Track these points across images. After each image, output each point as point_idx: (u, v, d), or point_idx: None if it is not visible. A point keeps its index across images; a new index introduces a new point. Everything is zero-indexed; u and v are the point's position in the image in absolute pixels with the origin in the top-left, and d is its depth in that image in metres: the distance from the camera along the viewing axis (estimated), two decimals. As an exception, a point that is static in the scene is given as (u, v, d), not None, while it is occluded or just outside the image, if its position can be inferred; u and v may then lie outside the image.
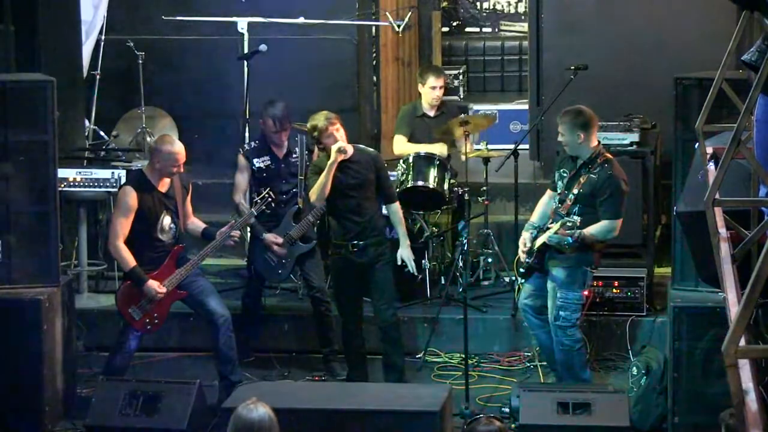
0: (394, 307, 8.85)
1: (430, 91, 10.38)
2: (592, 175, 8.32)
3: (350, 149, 8.63)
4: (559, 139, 8.44)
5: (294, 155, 9.23)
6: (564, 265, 8.34)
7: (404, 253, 8.78)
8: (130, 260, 8.43)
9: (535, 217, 8.68)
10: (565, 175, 8.47)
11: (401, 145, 10.38)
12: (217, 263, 10.54)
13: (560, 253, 8.31)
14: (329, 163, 8.54)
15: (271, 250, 9.15)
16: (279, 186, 9.20)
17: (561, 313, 8.36)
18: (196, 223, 8.80)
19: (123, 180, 9.67)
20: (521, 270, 8.65)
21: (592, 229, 8.22)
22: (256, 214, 8.83)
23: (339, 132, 8.59)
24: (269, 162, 9.23)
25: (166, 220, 8.57)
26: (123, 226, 8.43)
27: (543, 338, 8.72)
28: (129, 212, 8.43)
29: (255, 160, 9.22)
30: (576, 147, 8.34)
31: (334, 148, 8.54)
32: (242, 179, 9.25)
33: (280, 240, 9.14)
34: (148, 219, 8.50)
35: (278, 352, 9.60)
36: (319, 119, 8.61)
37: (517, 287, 9.23)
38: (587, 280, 8.45)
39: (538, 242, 8.41)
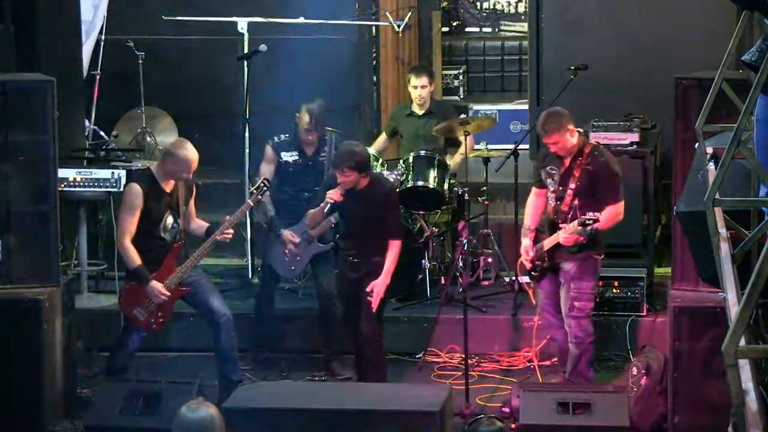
0: (373, 327, 8.59)
1: (413, 91, 10.43)
2: (586, 167, 8.38)
3: (337, 198, 8.48)
4: (553, 149, 8.42)
5: (322, 154, 9.25)
6: (575, 258, 8.40)
7: (376, 283, 8.48)
8: (136, 258, 8.44)
9: (529, 220, 8.71)
10: (553, 171, 8.51)
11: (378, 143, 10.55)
12: (217, 263, 10.55)
13: (569, 247, 8.36)
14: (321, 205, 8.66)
15: (286, 247, 9.14)
16: (303, 183, 9.21)
17: (575, 303, 8.42)
18: (199, 224, 8.80)
19: (123, 180, 9.68)
20: (532, 273, 8.66)
21: (601, 219, 8.26)
22: (252, 204, 8.80)
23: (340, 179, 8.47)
24: (297, 157, 9.26)
25: (169, 220, 8.57)
26: (130, 223, 8.44)
27: (561, 338, 8.72)
28: (135, 210, 8.44)
29: (283, 154, 9.24)
30: (569, 146, 8.38)
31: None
32: (266, 169, 9.24)
33: (297, 239, 9.13)
34: (152, 218, 8.50)
35: (278, 352, 9.60)
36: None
37: (531, 290, 9.30)
38: (597, 268, 8.53)
39: (548, 245, 8.43)
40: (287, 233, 9.14)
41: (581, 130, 8.78)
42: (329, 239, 9.24)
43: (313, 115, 9.13)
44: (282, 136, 9.36)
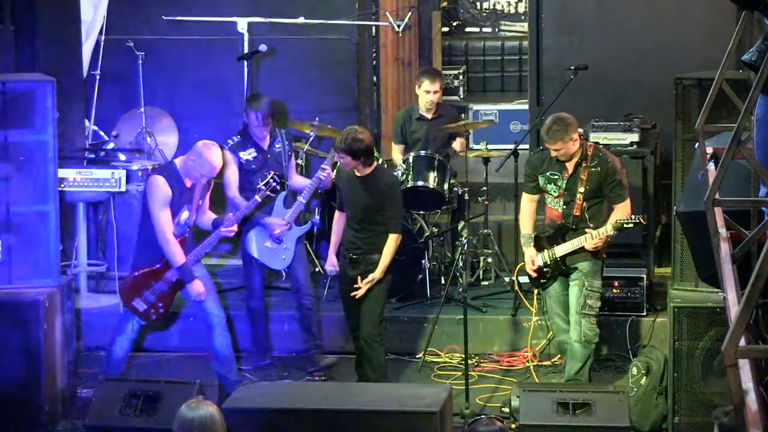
0: (373, 325, 8.61)
1: (424, 95, 10.28)
2: (593, 169, 8.40)
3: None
4: (554, 153, 8.41)
5: (277, 145, 9.26)
6: (589, 258, 8.46)
7: (370, 277, 8.53)
8: (181, 256, 8.42)
9: (529, 229, 8.69)
10: (555, 177, 8.50)
11: (396, 155, 10.40)
12: (217, 263, 10.54)
13: (581, 249, 8.39)
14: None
15: (272, 233, 9.12)
16: (266, 175, 9.21)
17: (588, 301, 8.46)
18: (209, 215, 8.74)
19: (123, 180, 9.68)
20: (542, 281, 8.63)
21: (616, 219, 8.33)
22: (260, 200, 8.79)
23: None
24: (255, 153, 9.25)
25: (185, 215, 8.54)
26: (167, 217, 8.38)
27: (568, 341, 8.71)
28: (167, 202, 8.38)
29: (241, 153, 9.23)
30: (572, 152, 8.38)
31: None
32: (232, 174, 9.22)
33: (283, 221, 9.13)
34: (170, 211, 8.45)
35: (278, 352, 9.60)
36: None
37: (534, 296, 9.29)
38: (603, 267, 8.63)
39: (563, 251, 8.43)
40: (271, 218, 9.15)
41: (581, 131, 8.78)
42: (306, 220, 9.34)
43: (259, 114, 9.10)
44: (235, 138, 9.34)
